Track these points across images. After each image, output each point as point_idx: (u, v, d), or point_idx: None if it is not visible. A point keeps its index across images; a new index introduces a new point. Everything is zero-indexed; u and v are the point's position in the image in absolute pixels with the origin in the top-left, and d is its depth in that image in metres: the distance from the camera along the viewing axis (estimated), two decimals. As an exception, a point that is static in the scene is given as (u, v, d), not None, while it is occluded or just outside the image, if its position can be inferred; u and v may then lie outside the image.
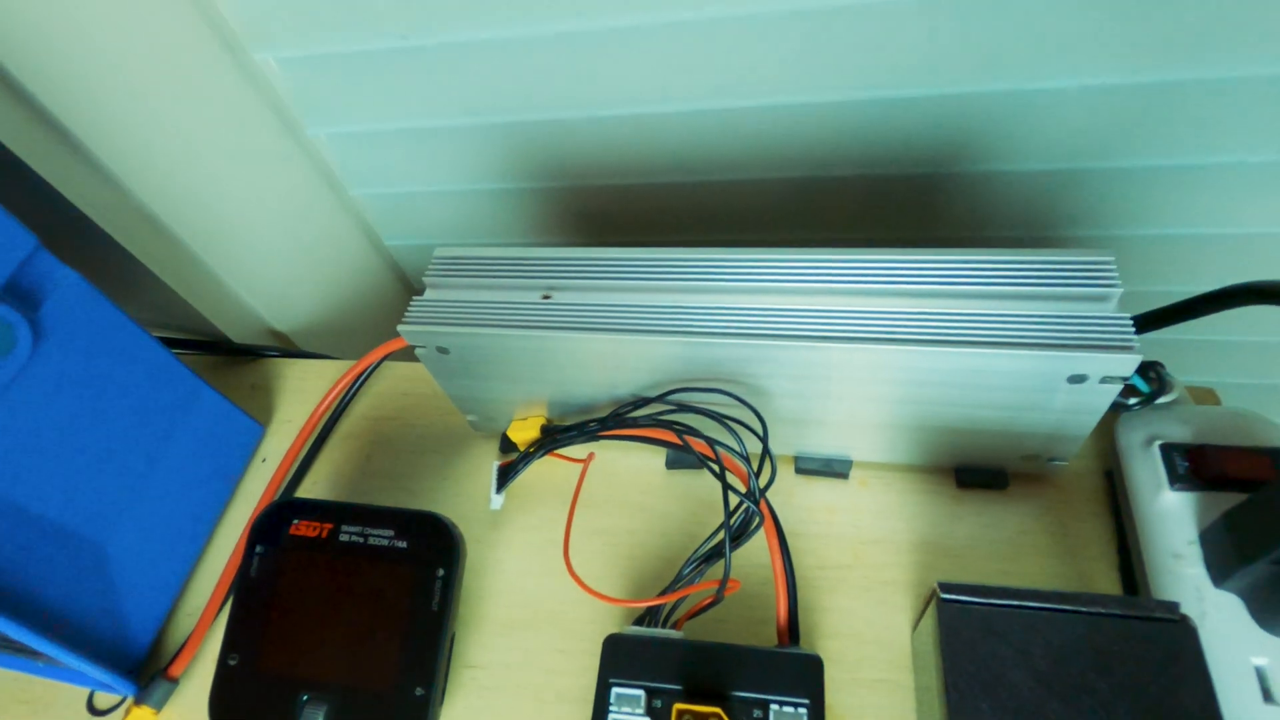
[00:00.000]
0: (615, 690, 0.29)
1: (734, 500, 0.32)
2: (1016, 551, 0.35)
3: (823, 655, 0.29)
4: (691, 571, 0.32)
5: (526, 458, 0.38)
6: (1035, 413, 0.31)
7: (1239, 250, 0.49)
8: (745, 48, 0.40)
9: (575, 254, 0.34)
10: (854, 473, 0.38)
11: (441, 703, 0.33)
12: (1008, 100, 0.41)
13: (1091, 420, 0.31)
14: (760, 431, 0.33)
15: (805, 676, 0.29)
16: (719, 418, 0.33)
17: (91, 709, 0.37)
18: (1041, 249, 0.30)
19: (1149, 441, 0.32)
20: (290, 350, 0.53)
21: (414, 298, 0.35)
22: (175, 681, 0.36)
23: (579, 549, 0.38)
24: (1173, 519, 0.30)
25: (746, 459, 0.32)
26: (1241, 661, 0.27)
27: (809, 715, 0.28)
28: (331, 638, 0.33)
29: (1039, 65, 0.39)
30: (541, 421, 0.39)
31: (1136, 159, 0.44)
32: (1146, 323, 0.34)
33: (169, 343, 0.40)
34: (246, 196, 0.49)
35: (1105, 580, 0.33)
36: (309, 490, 0.43)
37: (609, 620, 0.36)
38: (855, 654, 0.33)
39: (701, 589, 0.32)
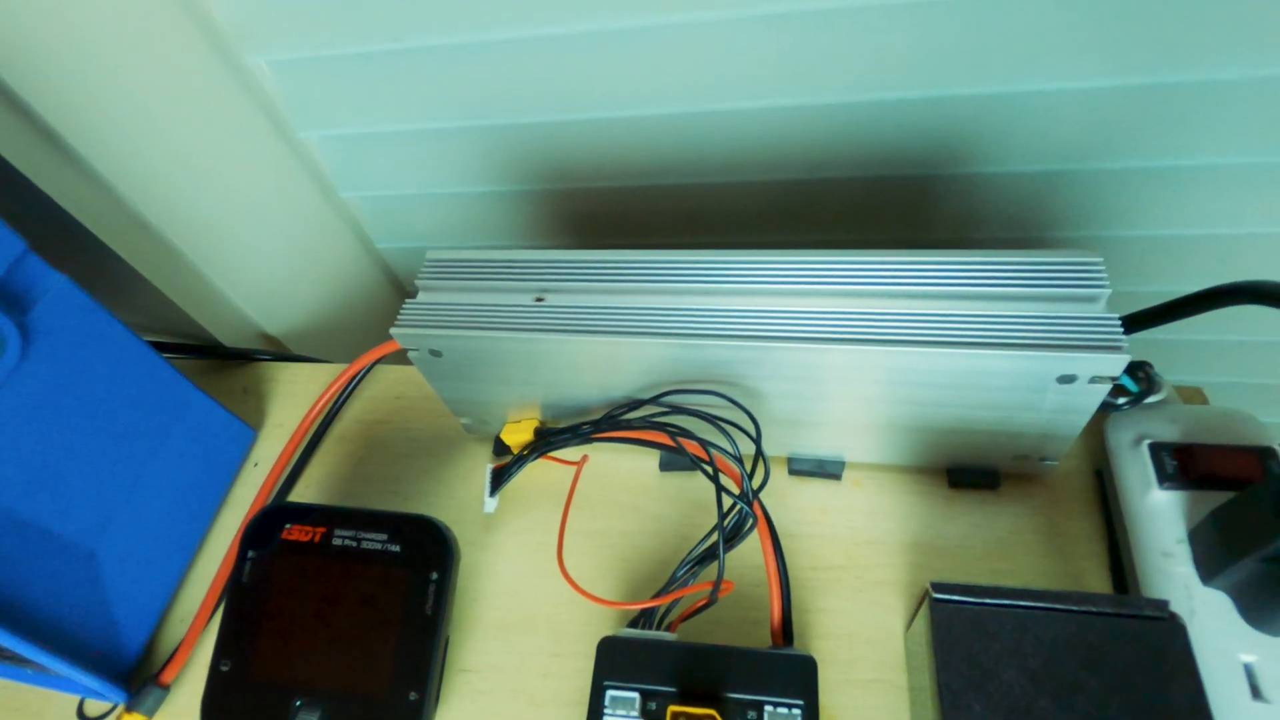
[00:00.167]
0: (610, 693, 0.29)
1: (727, 502, 0.32)
2: (1008, 551, 0.35)
3: (816, 656, 0.29)
4: (685, 574, 0.32)
5: (520, 460, 0.38)
6: (1026, 413, 0.31)
7: (1226, 250, 0.50)
8: (737, 50, 0.40)
9: (568, 256, 0.34)
10: (847, 473, 0.38)
11: (436, 707, 0.33)
12: (998, 103, 0.42)
13: (1081, 420, 0.31)
14: (753, 433, 0.33)
15: (799, 678, 0.29)
16: (712, 419, 0.33)
17: (82, 716, 0.37)
18: (1031, 250, 0.30)
19: (1138, 441, 0.32)
20: (282, 354, 0.53)
21: (406, 300, 0.34)
22: (167, 688, 0.36)
23: (573, 551, 0.38)
24: (1162, 517, 0.31)
25: (740, 461, 0.32)
26: (1230, 658, 0.27)
27: (803, 716, 0.28)
28: (324, 643, 0.33)
29: (1028, 68, 0.39)
30: (535, 424, 0.39)
31: (1125, 160, 0.44)
32: (1134, 323, 0.34)
33: (160, 347, 0.40)
34: (237, 199, 0.48)
35: (1096, 578, 0.34)
36: (302, 494, 0.43)
37: (603, 622, 0.36)
38: (849, 654, 0.33)
39: (695, 591, 0.32)
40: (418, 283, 0.35)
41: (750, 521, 0.32)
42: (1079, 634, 0.26)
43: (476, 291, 0.34)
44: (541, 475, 0.40)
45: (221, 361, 0.50)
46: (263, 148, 0.47)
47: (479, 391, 0.37)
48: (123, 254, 0.44)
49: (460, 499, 0.41)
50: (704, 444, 0.33)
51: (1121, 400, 0.35)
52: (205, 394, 0.41)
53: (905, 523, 0.36)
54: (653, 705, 0.29)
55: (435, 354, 0.35)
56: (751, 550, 0.33)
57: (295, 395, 0.48)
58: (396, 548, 0.34)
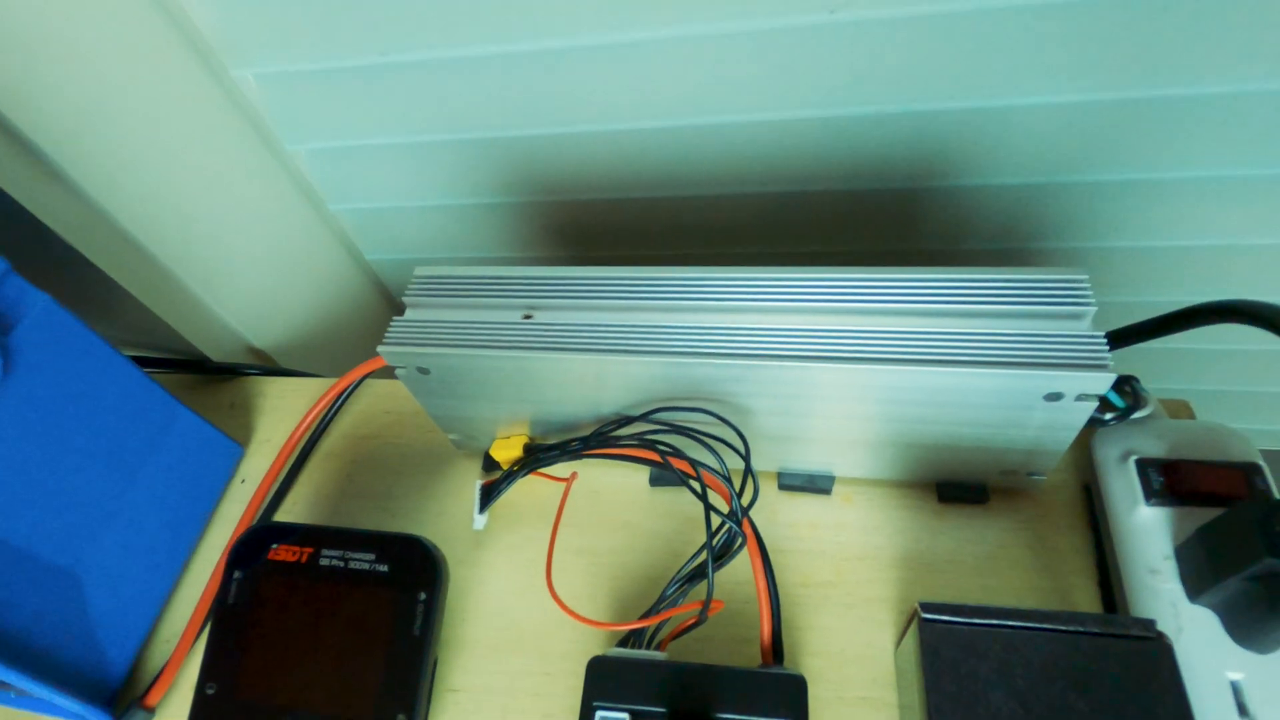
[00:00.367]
0: (600, 713, 0.29)
1: (716, 521, 0.32)
2: (997, 566, 0.35)
3: (807, 674, 0.29)
4: (675, 592, 0.32)
5: (509, 477, 0.38)
6: (1013, 429, 0.31)
7: (1210, 260, 0.50)
8: (724, 65, 0.40)
9: (556, 273, 0.34)
10: (837, 488, 0.38)
11: (424, 728, 0.33)
12: (981, 117, 0.42)
13: (1068, 436, 0.31)
14: (743, 450, 0.33)
15: (789, 696, 0.29)
16: (700, 437, 0.33)
17: (65, 739, 0.36)
18: (1017, 268, 0.30)
19: (1124, 457, 0.33)
20: (270, 368, 0.52)
21: (394, 318, 0.34)
22: (152, 711, 0.36)
23: (562, 568, 0.38)
24: (1148, 534, 0.31)
25: (728, 479, 0.32)
26: (1217, 676, 0.27)
27: (793, 736, 0.28)
28: (311, 664, 0.32)
29: (1011, 83, 0.40)
30: (524, 440, 0.39)
31: (1107, 173, 0.45)
32: (1119, 339, 0.34)
33: (146, 362, 0.39)
34: (224, 213, 0.48)
35: (1084, 594, 0.34)
36: (290, 510, 0.43)
37: (594, 641, 0.35)
38: (839, 672, 0.33)
39: (685, 610, 0.32)
40: (405, 300, 0.35)
41: (740, 540, 0.32)
42: (1067, 654, 0.26)
43: (464, 309, 0.34)
44: (531, 491, 0.40)
45: (208, 377, 0.50)
46: (250, 161, 0.47)
47: (468, 408, 0.37)
48: (107, 269, 0.43)
49: (450, 515, 0.41)
50: (694, 462, 0.33)
51: (1108, 415, 0.35)
52: (191, 410, 0.41)
53: (895, 538, 0.36)
54: (643, 726, 0.28)
55: (423, 371, 0.34)
56: (741, 566, 0.33)
57: (283, 410, 0.47)
58: (384, 568, 0.34)
